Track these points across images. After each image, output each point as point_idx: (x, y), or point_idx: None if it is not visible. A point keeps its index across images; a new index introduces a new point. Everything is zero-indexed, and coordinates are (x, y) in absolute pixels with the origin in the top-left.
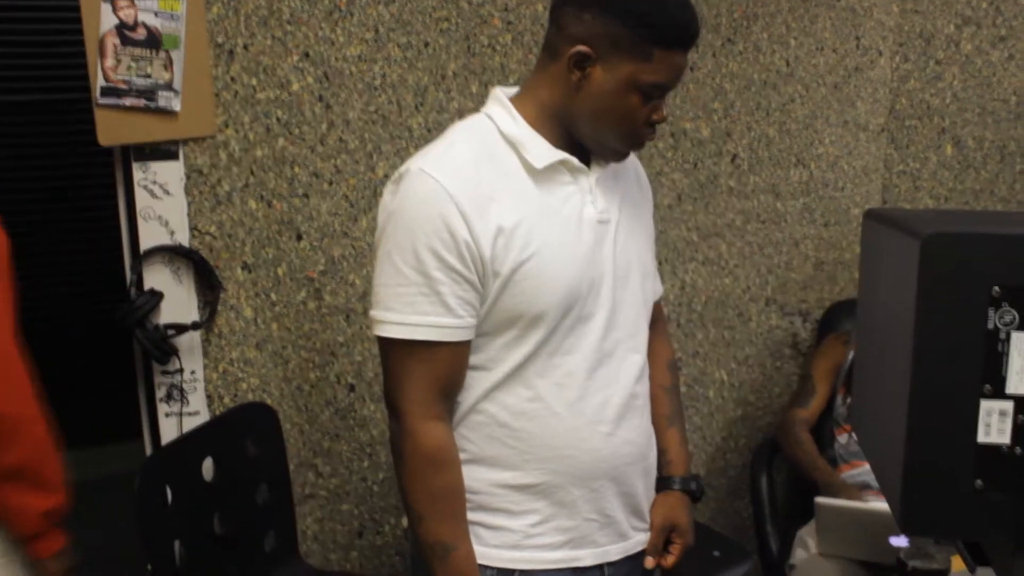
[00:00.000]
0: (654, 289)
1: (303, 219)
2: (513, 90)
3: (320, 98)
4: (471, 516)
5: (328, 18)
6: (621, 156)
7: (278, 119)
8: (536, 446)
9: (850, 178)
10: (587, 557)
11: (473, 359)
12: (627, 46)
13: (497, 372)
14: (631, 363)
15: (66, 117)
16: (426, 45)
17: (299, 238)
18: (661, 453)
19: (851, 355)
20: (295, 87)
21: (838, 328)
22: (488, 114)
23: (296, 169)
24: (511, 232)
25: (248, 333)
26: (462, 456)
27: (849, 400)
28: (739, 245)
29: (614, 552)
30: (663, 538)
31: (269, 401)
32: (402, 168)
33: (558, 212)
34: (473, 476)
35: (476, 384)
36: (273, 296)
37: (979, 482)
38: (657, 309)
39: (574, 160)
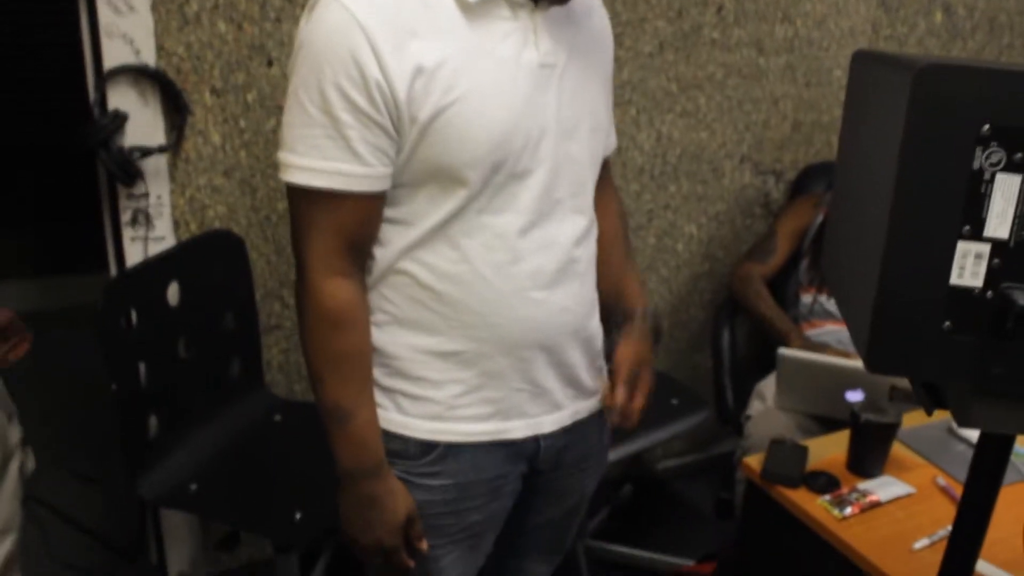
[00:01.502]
0: (606, 145)
1: (274, 44)
2: None
3: None
4: (390, 383)
5: None
6: None
7: None
8: (461, 311)
9: (836, 38)
10: (517, 429)
11: (391, 212)
12: None
13: (418, 228)
14: (572, 224)
15: None
16: None
17: (270, 64)
18: (619, 296)
19: (819, 218)
20: None
21: (810, 190)
22: None
23: None
24: (432, 73)
25: (216, 159)
26: (381, 317)
27: (814, 262)
28: (718, 99)
29: (548, 423)
30: (633, 375)
31: (236, 229)
32: None
33: (491, 53)
34: (393, 340)
35: (395, 239)
36: (242, 123)
37: (947, 323)
38: (604, 163)
39: None
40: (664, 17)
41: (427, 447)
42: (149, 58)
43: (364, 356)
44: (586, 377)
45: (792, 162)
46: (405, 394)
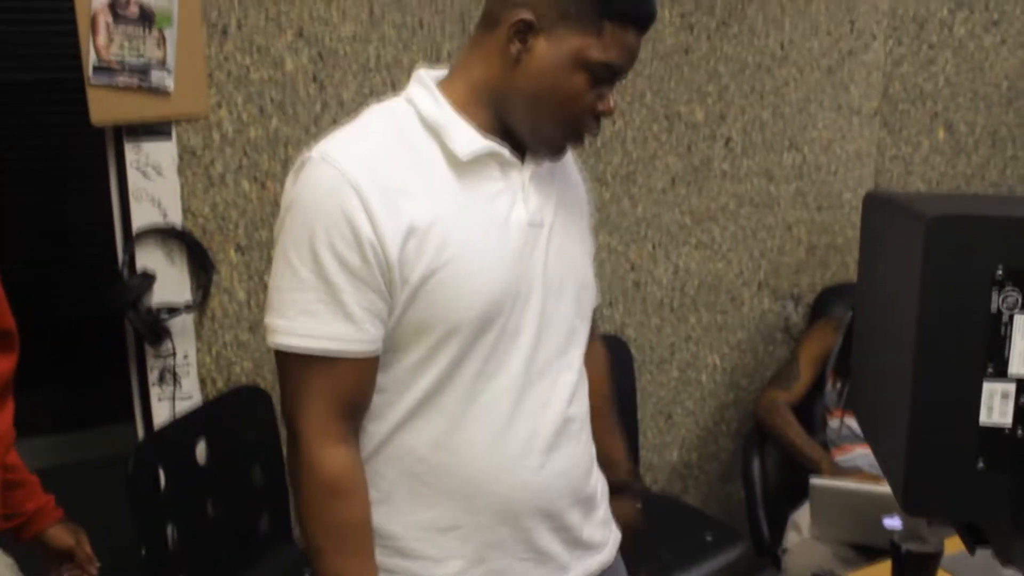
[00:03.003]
0: (591, 300)
1: None
2: (441, 72)
3: (314, 78)
4: (390, 563)
5: None
6: (557, 151)
7: (272, 99)
8: (458, 482)
9: (843, 162)
10: None
11: (382, 379)
12: (576, 16)
13: (409, 397)
14: (564, 384)
15: (57, 96)
16: (421, 25)
17: None
18: (606, 465)
19: (840, 340)
20: (289, 67)
21: (829, 313)
22: (408, 97)
23: (290, 150)
24: (424, 233)
25: (241, 316)
26: (376, 495)
27: (839, 385)
28: (732, 229)
29: None
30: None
31: (262, 384)
32: (306, 154)
33: (482, 212)
34: (389, 517)
35: (387, 411)
36: (266, 278)
37: (981, 463)
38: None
39: (505, 151)
40: (674, 153)
41: None
42: (176, 219)
43: (366, 525)
44: (591, 534)
45: (809, 285)
46: (406, 574)
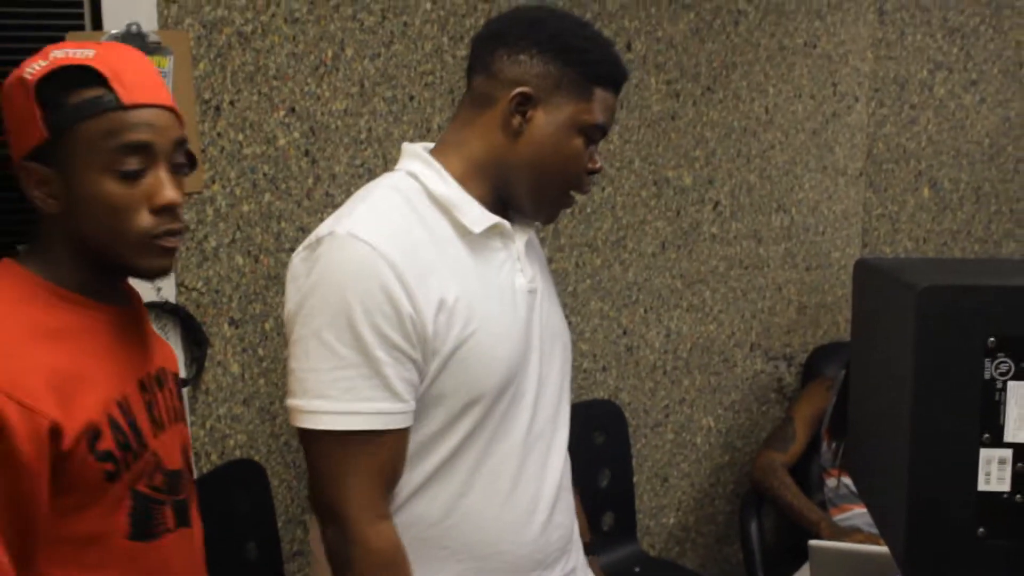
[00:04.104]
0: (570, 361)
1: None
2: (428, 146)
3: (306, 153)
4: None
5: (314, 73)
6: (555, 212)
7: (264, 174)
8: (469, 544)
9: (830, 222)
10: None
11: None
12: (568, 85)
13: (428, 463)
14: (560, 441)
15: None
16: (411, 99)
17: None
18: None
19: (834, 400)
20: (281, 142)
21: (822, 372)
22: (409, 172)
23: (283, 224)
24: (452, 306)
25: (235, 389)
26: None
27: (834, 445)
28: (723, 291)
29: None
30: None
31: (257, 458)
32: (318, 233)
33: (493, 282)
34: None
35: (405, 478)
36: (260, 351)
37: (981, 530)
38: None
39: (507, 224)
40: (663, 218)
41: None
42: (170, 294)
43: None
44: None
45: (801, 345)
46: None
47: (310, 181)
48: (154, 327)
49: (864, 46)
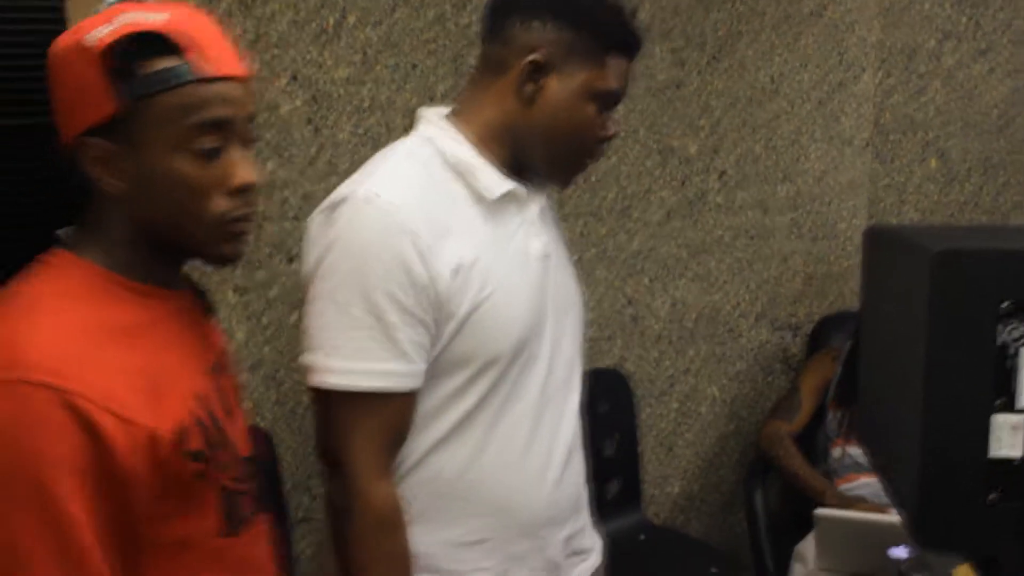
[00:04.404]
0: (583, 327)
1: (294, 241)
2: (443, 110)
3: (309, 120)
4: None
5: (316, 40)
6: (570, 177)
7: (267, 142)
8: (485, 501)
9: (836, 193)
10: None
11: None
12: (581, 52)
13: (445, 422)
14: (571, 405)
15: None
16: (414, 67)
17: (290, 260)
18: None
19: (840, 370)
20: (284, 110)
21: (828, 342)
22: (426, 137)
23: (286, 192)
24: (468, 270)
25: (240, 356)
26: (405, 517)
27: (840, 415)
28: (728, 261)
29: None
30: None
31: (262, 424)
32: (340, 193)
33: (509, 246)
34: (419, 538)
35: (421, 436)
36: (265, 319)
37: (992, 495)
38: None
39: (523, 189)
40: (669, 187)
41: None
42: None
43: (410, 555)
44: (581, 541)
45: (807, 315)
46: None
47: (313, 149)
48: None
49: (872, 14)
